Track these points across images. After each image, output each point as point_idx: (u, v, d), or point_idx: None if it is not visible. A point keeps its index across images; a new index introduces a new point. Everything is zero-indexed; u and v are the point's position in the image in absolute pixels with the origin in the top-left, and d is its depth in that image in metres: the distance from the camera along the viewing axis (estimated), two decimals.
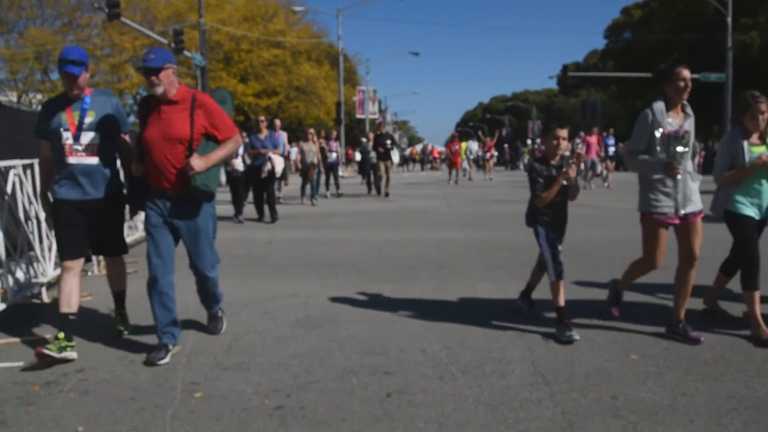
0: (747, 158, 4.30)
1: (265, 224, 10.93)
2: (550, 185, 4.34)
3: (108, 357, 4.04)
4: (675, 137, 4.02)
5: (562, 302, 4.35)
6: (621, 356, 3.96)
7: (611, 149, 20.00)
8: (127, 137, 4.35)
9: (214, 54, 32.58)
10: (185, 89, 4.04)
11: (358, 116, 42.58)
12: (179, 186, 3.96)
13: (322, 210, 13.45)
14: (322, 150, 15.31)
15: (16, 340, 4.40)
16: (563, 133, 4.42)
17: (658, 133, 4.13)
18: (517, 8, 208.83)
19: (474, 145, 27.88)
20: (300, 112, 37.31)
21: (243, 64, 34.09)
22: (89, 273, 6.47)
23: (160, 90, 3.90)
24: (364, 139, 20.99)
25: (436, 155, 42.19)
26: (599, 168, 19.18)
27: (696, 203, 4.24)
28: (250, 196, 11.89)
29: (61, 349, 3.84)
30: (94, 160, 4.06)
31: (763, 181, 4.35)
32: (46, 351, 3.75)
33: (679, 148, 4.01)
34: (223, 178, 11.58)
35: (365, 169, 19.50)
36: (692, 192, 4.22)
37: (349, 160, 34.12)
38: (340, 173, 18.26)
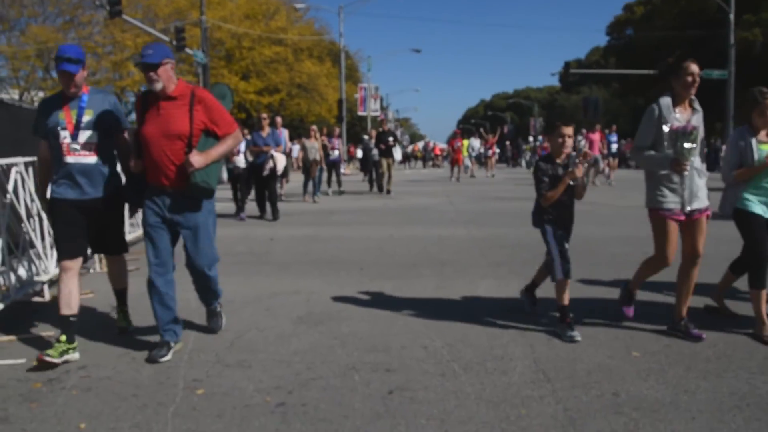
0: (756, 156, 4.25)
1: (266, 221, 10.93)
2: (556, 184, 4.29)
3: (110, 354, 4.04)
4: (683, 133, 3.97)
5: (566, 301, 4.33)
6: (623, 353, 3.96)
7: (614, 146, 19.98)
8: (125, 134, 4.30)
9: (215, 51, 32.60)
10: (184, 85, 4.00)
11: (360, 113, 42.60)
12: (178, 183, 3.92)
13: (324, 207, 13.45)
14: (324, 147, 15.31)
15: (19, 337, 4.40)
16: (569, 130, 4.37)
17: (666, 128, 4.08)
18: (518, 5, 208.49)
19: (476, 143, 27.85)
20: (302, 109, 37.32)
21: (245, 61, 34.09)
22: (91, 270, 6.48)
23: (158, 85, 3.86)
24: (366, 136, 20.99)
25: (438, 152, 42.17)
26: (601, 165, 19.15)
27: (702, 200, 4.20)
28: (252, 193, 11.89)
29: (63, 353, 3.81)
30: (92, 159, 4.01)
31: None
32: (47, 359, 3.71)
33: (687, 144, 3.96)
34: (225, 175, 11.60)
35: (367, 166, 19.49)
36: (698, 188, 4.17)
37: (350, 158, 34.10)
38: (342, 170, 18.26)
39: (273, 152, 10.92)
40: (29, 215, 5.45)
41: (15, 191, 5.20)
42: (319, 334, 4.43)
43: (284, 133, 13.70)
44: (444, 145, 42.80)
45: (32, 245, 5.47)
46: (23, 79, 30.76)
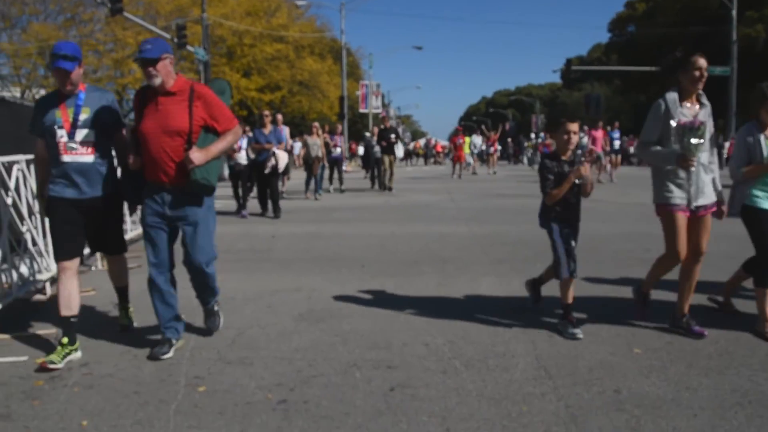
0: (765, 152, 4.20)
1: (268, 219, 10.94)
2: (561, 182, 4.22)
3: (112, 351, 4.05)
4: (689, 128, 3.92)
5: (570, 300, 4.32)
6: (624, 350, 3.95)
7: (616, 143, 19.95)
8: (123, 131, 4.21)
9: (217, 49, 32.59)
10: (183, 80, 3.94)
11: (361, 111, 42.60)
12: (178, 180, 3.86)
13: (326, 204, 13.45)
14: (326, 144, 15.30)
15: (21, 334, 4.41)
16: (574, 127, 4.28)
17: (673, 123, 4.03)
18: (519, 2, 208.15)
19: (478, 140, 27.82)
20: (303, 106, 37.33)
21: (246, 58, 34.09)
22: (93, 268, 6.48)
23: (157, 81, 3.79)
24: (368, 133, 20.99)
25: (440, 150, 42.14)
26: (603, 162, 19.12)
27: (709, 196, 4.16)
28: (254, 191, 11.89)
29: (65, 356, 3.80)
30: (89, 158, 3.93)
31: None
32: (51, 366, 3.68)
33: (694, 140, 3.90)
34: (226, 172, 11.59)
35: (369, 163, 19.49)
36: (704, 184, 4.13)
37: (352, 155, 34.11)
38: (344, 168, 18.26)
39: (275, 149, 10.92)
40: (31, 213, 5.46)
41: (17, 189, 5.21)
42: (321, 331, 4.43)
43: (285, 131, 13.70)
44: (445, 142, 42.79)
45: (34, 243, 5.47)
46: (25, 77, 30.79)
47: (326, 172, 15.90)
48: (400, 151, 20.88)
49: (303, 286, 5.76)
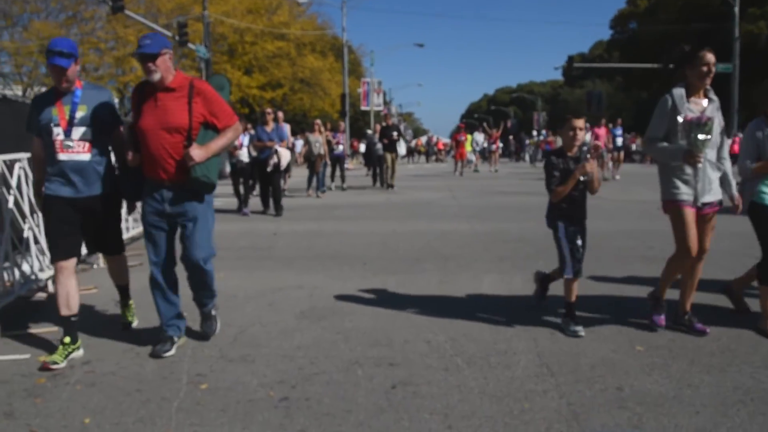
0: None
1: (270, 216, 10.94)
2: (567, 179, 4.19)
3: (114, 349, 4.05)
4: (696, 124, 3.88)
5: (573, 298, 4.31)
6: (626, 347, 3.95)
7: (619, 140, 19.93)
8: (121, 128, 4.16)
9: (218, 46, 32.55)
10: (182, 76, 3.89)
11: (363, 108, 42.50)
12: (177, 177, 3.82)
13: (327, 202, 13.45)
14: (328, 142, 15.29)
15: (23, 332, 4.41)
16: (580, 123, 4.22)
17: (680, 119, 3.99)
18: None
19: (480, 137, 27.80)
20: (304, 104, 37.30)
21: (247, 56, 34.05)
22: (95, 266, 6.49)
23: (156, 76, 3.75)
24: (369, 131, 20.96)
25: (441, 147, 42.09)
26: (606, 159, 19.09)
27: (715, 192, 4.12)
28: (256, 189, 11.89)
29: (68, 355, 3.80)
30: (86, 157, 3.87)
31: None
32: (53, 366, 3.67)
33: (701, 136, 3.86)
34: (227, 168, 11.58)
35: (371, 160, 19.47)
36: (711, 181, 4.09)
37: (354, 152, 34.09)
38: (346, 165, 18.25)
39: (277, 147, 10.92)
40: (33, 211, 5.45)
41: (18, 187, 5.21)
42: (322, 328, 4.43)
43: (286, 128, 13.69)
44: (447, 140, 42.73)
45: (36, 241, 5.48)
46: (26, 75, 30.76)
47: (328, 170, 15.89)
48: (402, 148, 20.88)
49: (305, 283, 5.76)
